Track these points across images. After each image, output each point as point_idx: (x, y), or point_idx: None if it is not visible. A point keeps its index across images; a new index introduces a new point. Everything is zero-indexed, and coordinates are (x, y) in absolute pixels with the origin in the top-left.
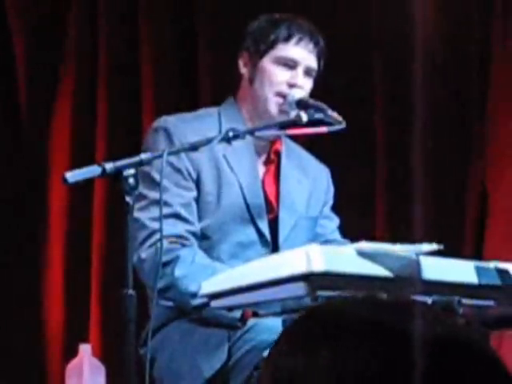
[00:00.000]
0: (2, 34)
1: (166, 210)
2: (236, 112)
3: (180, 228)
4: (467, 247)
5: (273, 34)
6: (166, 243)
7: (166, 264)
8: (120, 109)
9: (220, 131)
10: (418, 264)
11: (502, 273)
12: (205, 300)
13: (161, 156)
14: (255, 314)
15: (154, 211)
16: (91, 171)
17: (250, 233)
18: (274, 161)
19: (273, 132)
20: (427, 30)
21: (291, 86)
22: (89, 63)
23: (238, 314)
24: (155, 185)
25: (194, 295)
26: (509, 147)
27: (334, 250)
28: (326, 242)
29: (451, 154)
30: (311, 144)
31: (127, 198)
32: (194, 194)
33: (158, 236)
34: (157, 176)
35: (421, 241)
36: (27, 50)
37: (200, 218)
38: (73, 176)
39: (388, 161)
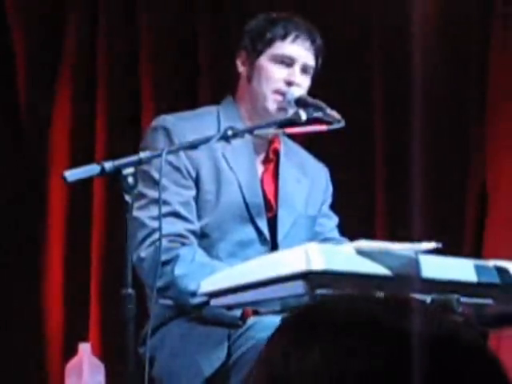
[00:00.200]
0: (2, 33)
1: (165, 209)
2: (235, 111)
3: (179, 227)
4: (466, 247)
5: (270, 33)
6: (165, 242)
7: (165, 263)
8: (119, 108)
9: (219, 130)
10: (417, 262)
11: (501, 271)
12: (204, 299)
13: (160, 155)
14: (255, 312)
15: (154, 210)
16: (90, 170)
17: (249, 231)
18: (272, 160)
19: (272, 130)
20: (426, 29)
21: (289, 83)
22: (88, 63)
23: (238, 312)
24: (154, 184)
25: (194, 294)
26: (508, 147)
27: (333, 249)
28: (325, 240)
29: (451, 153)
30: (310, 143)
31: (126, 197)
32: (193, 192)
33: (157, 235)
34: (156, 175)
35: (420, 241)
36: (27, 50)
37: (199, 217)
38: (72, 175)
39: (388, 160)
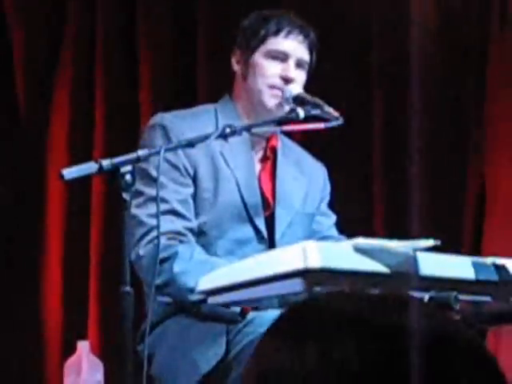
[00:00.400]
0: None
1: (163, 207)
2: (232, 108)
3: (178, 224)
4: (465, 248)
5: (263, 30)
6: (163, 240)
7: (164, 260)
8: (117, 108)
9: (217, 128)
10: (415, 260)
11: (499, 269)
12: (203, 296)
13: (158, 153)
14: (255, 307)
15: (152, 208)
16: (88, 168)
17: (246, 230)
18: (269, 157)
19: (270, 128)
20: (425, 29)
21: (284, 79)
22: (86, 63)
23: (237, 308)
24: (152, 181)
25: (193, 290)
26: (507, 147)
27: (330, 247)
28: (323, 238)
29: (450, 153)
30: (311, 143)
31: (124, 195)
32: (191, 190)
33: (155, 233)
34: (154, 173)
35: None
36: (27, 50)
37: (197, 215)
38: (70, 173)
39: (387, 160)
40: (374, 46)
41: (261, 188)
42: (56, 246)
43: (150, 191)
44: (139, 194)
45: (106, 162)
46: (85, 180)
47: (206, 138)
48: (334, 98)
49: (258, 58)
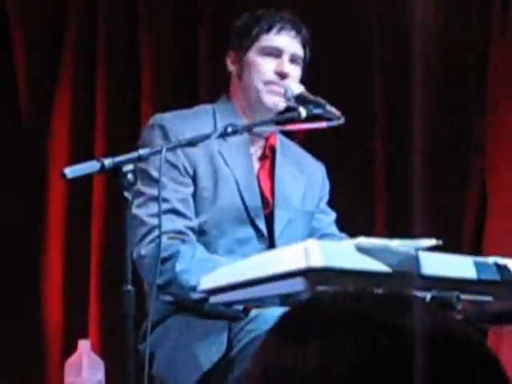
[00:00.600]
0: (1, 33)
1: (163, 206)
2: (230, 108)
3: (179, 224)
4: (465, 247)
5: (255, 28)
6: (165, 239)
7: (166, 259)
8: (119, 107)
9: (215, 127)
10: (416, 259)
11: (501, 268)
12: (204, 295)
13: (160, 151)
14: (257, 306)
15: (152, 207)
16: (90, 167)
17: (247, 230)
18: (268, 156)
19: (271, 128)
20: (426, 28)
21: (280, 74)
22: (87, 64)
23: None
24: (153, 181)
25: (195, 289)
26: (509, 147)
27: (332, 246)
28: (324, 236)
29: (451, 153)
30: (312, 143)
31: (126, 194)
32: (191, 189)
33: (157, 232)
34: (154, 173)
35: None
36: (27, 50)
37: (197, 214)
38: (72, 171)
39: (388, 160)
40: (375, 45)
41: (260, 187)
42: (57, 245)
43: (151, 191)
44: (140, 193)
45: (107, 161)
46: (86, 179)
47: (207, 137)
48: (336, 98)
49: (252, 56)
